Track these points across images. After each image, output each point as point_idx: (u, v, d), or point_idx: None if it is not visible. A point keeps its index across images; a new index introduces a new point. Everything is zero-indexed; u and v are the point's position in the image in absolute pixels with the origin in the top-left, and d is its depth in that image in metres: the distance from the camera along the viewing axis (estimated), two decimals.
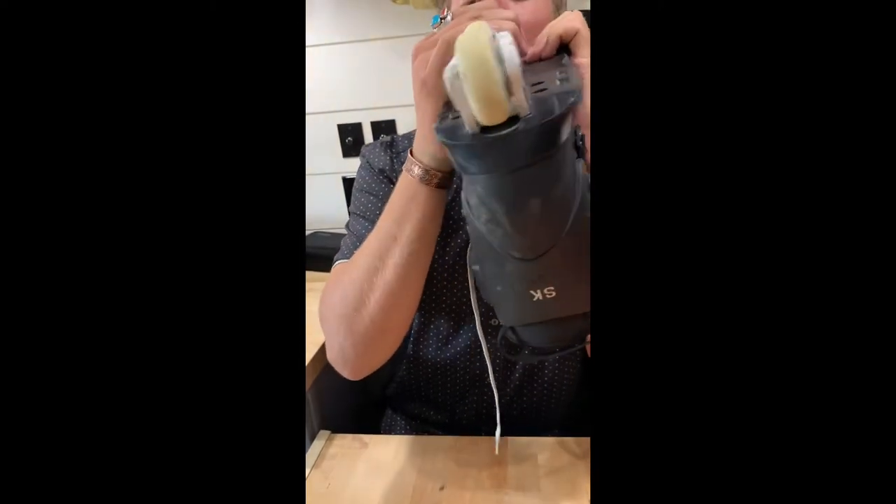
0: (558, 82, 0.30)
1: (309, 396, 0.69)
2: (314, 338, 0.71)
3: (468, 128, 0.27)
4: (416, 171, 0.43)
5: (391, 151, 0.61)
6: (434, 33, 0.40)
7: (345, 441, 0.58)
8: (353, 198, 0.63)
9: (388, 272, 0.44)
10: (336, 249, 1.11)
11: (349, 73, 1.08)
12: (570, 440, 0.54)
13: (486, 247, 0.32)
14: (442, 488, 0.49)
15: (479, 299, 0.42)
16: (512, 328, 0.36)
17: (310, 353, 0.69)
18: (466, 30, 0.29)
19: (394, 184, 0.60)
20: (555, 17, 0.56)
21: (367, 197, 0.60)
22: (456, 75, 0.26)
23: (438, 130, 0.30)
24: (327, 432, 0.60)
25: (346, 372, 0.50)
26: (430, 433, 0.65)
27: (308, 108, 1.11)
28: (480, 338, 0.46)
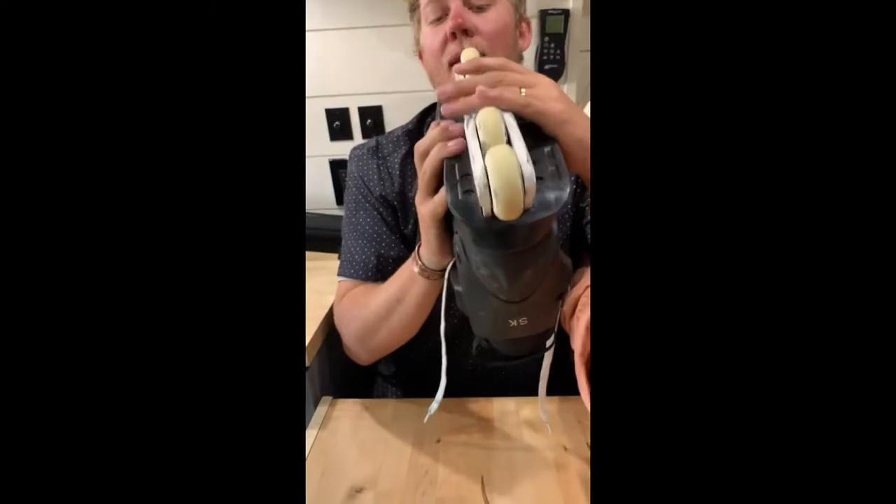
0: (551, 168, 0.35)
1: (314, 366, 0.75)
2: (314, 313, 0.77)
3: (484, 212, 0.32)
4: (416, 268, 0.51)
5: (377, 158, 0.68)
6: (433, 129, 0.41)
7: (346, 405, 0.64)
8: (345, 211, 0.70)
9: (394, 322, 0.57)
10: (324, 229, 1.17)
11: (338, 59, 1.10)
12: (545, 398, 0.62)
13: (476, 284, 0.38)
14: (438, 441, 0.56)
15: (447, 308, 0.48)
16: (486, 339, 0.43)
17: (311, 329, 0.74)
18: (492, 147, 0.32)
19: (382, 195, 0.67)
20: (516, 20, 0.60)
21: (357, 213, 0.67)
22: (486, 185, 0.31)
23: (454, 206, 0.34)
24: (329, 398, 0.66)
25: (358, 362, 0.67)
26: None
27: None
28: (442, 344, 0.50)
